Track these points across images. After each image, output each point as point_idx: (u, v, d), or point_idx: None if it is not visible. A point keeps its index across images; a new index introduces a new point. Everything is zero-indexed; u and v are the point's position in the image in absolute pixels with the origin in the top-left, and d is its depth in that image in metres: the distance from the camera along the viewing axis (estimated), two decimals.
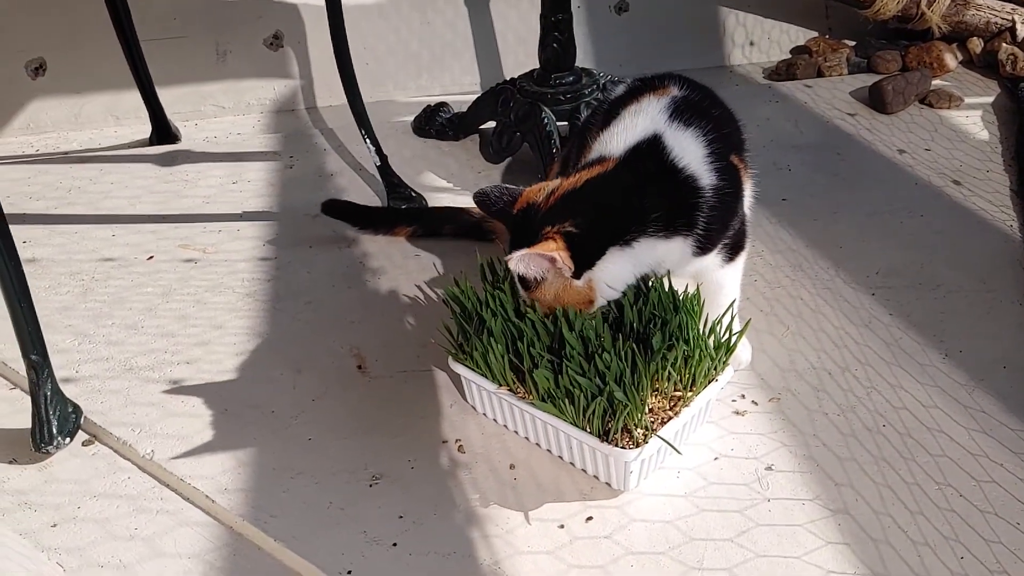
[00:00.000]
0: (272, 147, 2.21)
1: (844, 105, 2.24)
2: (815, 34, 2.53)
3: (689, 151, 1.27)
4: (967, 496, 1.22)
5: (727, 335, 1.29)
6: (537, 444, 1.33)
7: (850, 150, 2.06)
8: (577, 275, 1.22)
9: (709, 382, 1.27)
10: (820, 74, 2.37)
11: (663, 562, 1.16)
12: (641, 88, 1.38)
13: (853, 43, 2.47)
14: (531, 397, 1.26)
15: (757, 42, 2.51)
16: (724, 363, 1.29)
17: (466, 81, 2.46)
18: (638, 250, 1.25)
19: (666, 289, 1.29)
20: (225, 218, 1.93)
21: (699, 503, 1.24)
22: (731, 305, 1.34)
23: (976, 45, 2.34)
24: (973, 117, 2.14)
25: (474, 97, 2.23)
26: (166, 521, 1.28)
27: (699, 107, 1.34)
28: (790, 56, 2.48)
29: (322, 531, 1.23)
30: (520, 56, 2.44)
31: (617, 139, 1.30)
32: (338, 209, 1.80)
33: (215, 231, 1.89)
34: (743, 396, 1.40)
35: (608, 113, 1.39)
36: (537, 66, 2.04)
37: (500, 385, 1.29)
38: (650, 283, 1.30)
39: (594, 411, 1.18)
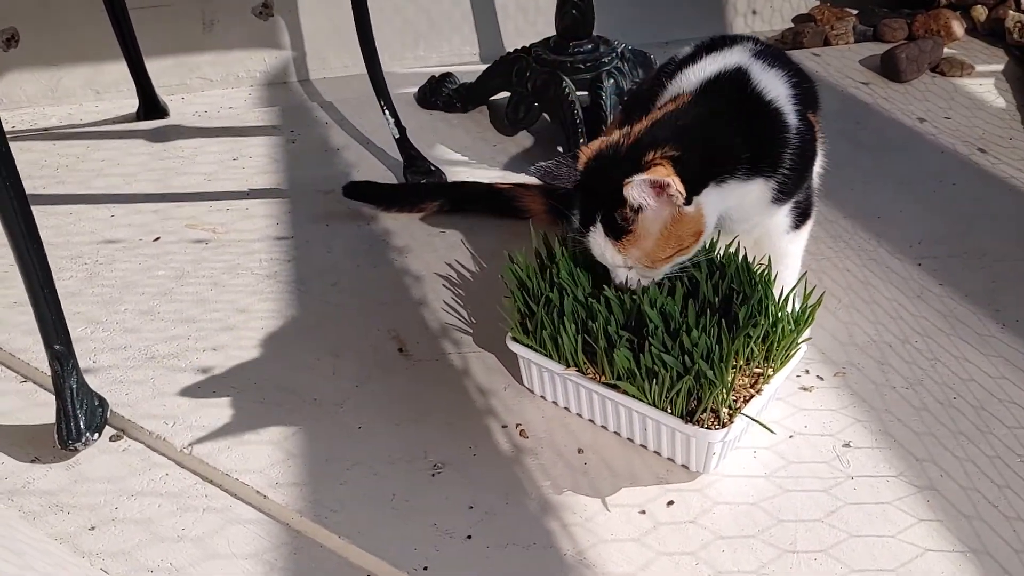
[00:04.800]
0: (270, 121, 2.10)
1: (856, 74, 2.21)
2: (817, 2, 2.49)
3: (775, 86, 1.22)
4: None
5: (803, 309, 1.24)
6: (603, 427, 1.27)
7: (869, 119, 2.03)
8: (688, 200, 1.13)
9: (787, 358, 1.23)
10: (827, 43, 2.34)
11: (755, 546, 1.11)
12: (712, 45, 1.32)
13: (855, 11, 2.44)
14: (602, 378, 1.20)
15: (760, 10, 2.46)
16: (789, 341, 1.24)
17: (465, 51, 2.37)
18: (727, 189, 1.18)
19: (741, 262, 1.24)
20: (231, 196, 1.83)
21: (781, 483, 1.20)
22: (802, 278, 1.29)
23: (980, 13, 2.33)
24: (986, 85, 2.13)
25: (474, 68, 2.15)
26: (215, 520, 1.19)
27: (780, 57, 1.29)
28: (794, 25, 2.44)
29: (389, 525, 1.16)
30: (520, 24, 2.37)
31: (694, 76, 1.23)
32: (360, 191, 1.72)
33: (222, 210, 1.79)
34: (807, 371, 1.36)
35: (675, 73, 1.33)
36: (538, 34, 1.97)
37: (568, 366, 1.22)
38: (722, 257, 1.25)
39: (679, 391, 1.12)
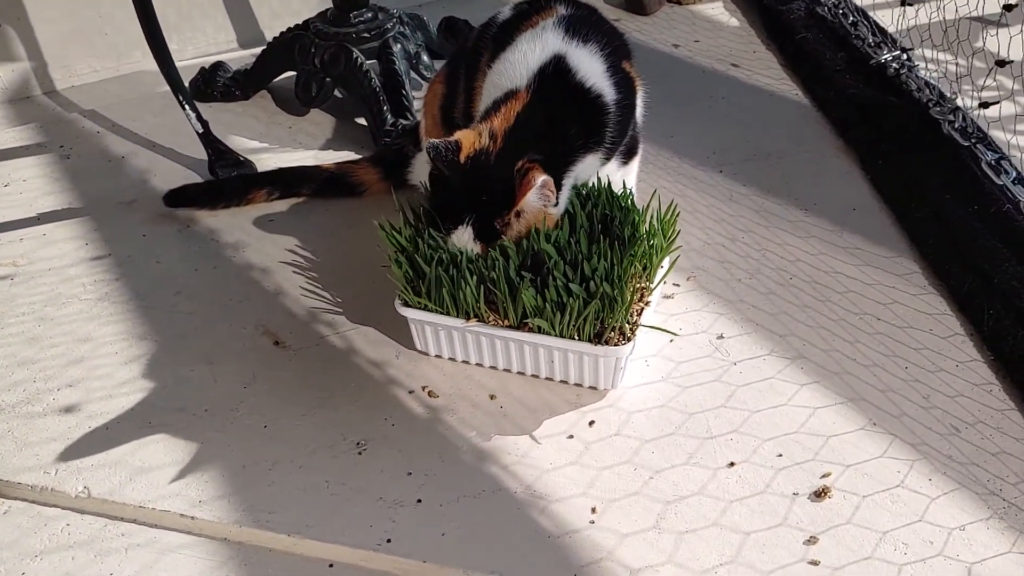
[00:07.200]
0: (30, 140, 1.92)
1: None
2: None
3: (592, 69, 1.30)
4: (883, 319, 1.39)
5: (664, 225, 1.35)
6: (507, 370, 1.32)
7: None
8: (556, 201, 1.24)
9: (659, 269, 1.33)
10: None
11: (679, 441, 1.22)
12: (528, 11, 1.38)
13: None
14: (505, 323, 1.25)
15: None
16: (667, 251, 1.35)
17: (222, 39, 2.27)
18: (573, 173, 1.29)
19: (607, 190, 1.32)
20: (19, 224, 1.66)
21: (679, 382, 1.30)
22: (653, 195, 1.40)
23: None
24: (718, 8, 2.35)
25: (237, 55, 2.08)
26: (144, 555, 1.11)
27: (589, 22, 1.36)
28: None
29: (335, 511, 1.14)
30: (275, 5, 2.30)
31: (521, 67, 1.30)
32: (184, 196, 1.63)
33: (15, 240, 1.62)
34: (664, 281, 1.48)
35: (498, 39, 1.38)
36: (294, 13, 1.97)
37: (469, 318, 1.25)
38: (589, 187, 1.33)
39: (586, 316, 1.19)
